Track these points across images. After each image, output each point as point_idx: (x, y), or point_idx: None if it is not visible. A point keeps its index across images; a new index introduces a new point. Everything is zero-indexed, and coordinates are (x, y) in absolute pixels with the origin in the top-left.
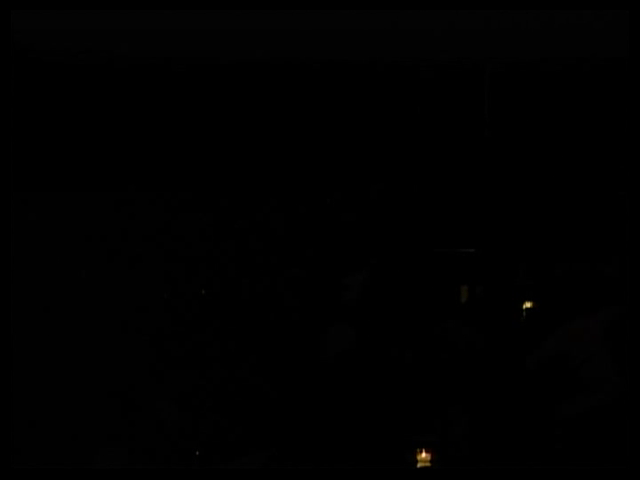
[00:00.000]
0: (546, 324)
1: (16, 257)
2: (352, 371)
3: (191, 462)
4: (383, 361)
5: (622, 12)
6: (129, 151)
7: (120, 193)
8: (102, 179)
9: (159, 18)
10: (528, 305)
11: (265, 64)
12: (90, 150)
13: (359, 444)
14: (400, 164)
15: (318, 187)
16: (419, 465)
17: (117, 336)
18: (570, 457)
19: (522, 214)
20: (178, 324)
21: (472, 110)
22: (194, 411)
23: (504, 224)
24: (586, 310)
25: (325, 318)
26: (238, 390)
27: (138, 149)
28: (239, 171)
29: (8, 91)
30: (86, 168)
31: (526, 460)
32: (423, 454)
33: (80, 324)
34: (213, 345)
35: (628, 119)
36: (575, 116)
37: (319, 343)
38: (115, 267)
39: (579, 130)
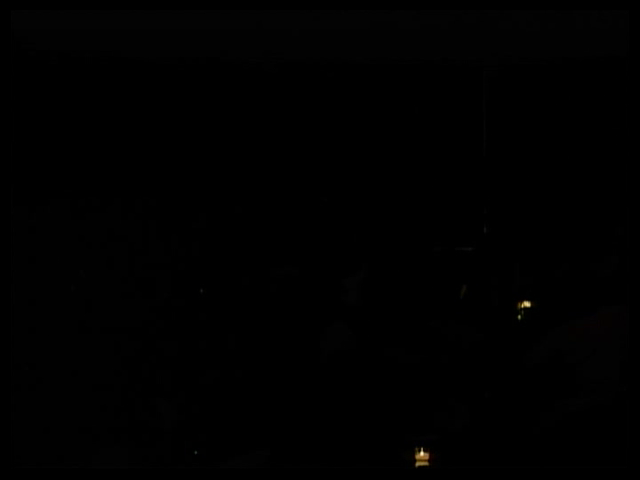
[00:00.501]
0: (544, 323)
1: (15, 261)
2: (350, 370)
3: (190, 462)
4: (381, 360)
5: (622, 12)
6: (126, 151)
7: (117, 192)
8: (99, 180)
9: (159, 18)
10: (527, 304)
11: (262, 64)
12: (86, 154)
13: (357, 443)
14: (398, 164)
15: (315, 186)
16: (417, 464)
17: (115, 336)
18: (565, 456)
19: (520, 213)
20: (176, 323)
21: (470, 111)
22: (192, 410)
23: (502, 223)
24: (584, 309)
25: (323, 317)
26: (237, 389)
27: (135, 149)
28: (236, 171)
29: (8, 92)
30: (82, 173)
31: (524, 458)
32: (421, 453)
33: (79, 324)
34: (211, 344)
35: (627, 120)
36: (573, 117)
37: (317, 342)
38: (113, 268)
39: (577, 131)
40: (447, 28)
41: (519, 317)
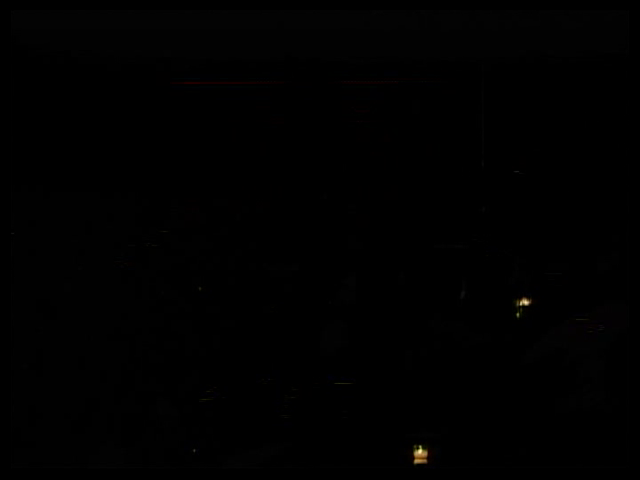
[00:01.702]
0: (543, 321)
1: (14, 256)
2: (348, 368)
3: (189, 461)
4: (380, 358)
5: (622, 12)
6: (126, 148)
7: (116, 191)
8: (98, 179)
9: (159, 18)
10: (525, 302)
11: (261, 62)
12: (86, 150)
13: (356, 441)
14: (396, 162)
15: (314, 184)
16: (416, 462)
17: (115, 334)
18: (564, 454)
19: (519, 211)
20: (176, 321)
21: (468, 109)
22: (192, 409)
23: (501, 221)
24: (584, 307)
25: (322, 316)
26: (236, 388)
27: (135, 146)
28: (235, 169)
29: (8, 91)
30: (81, 167)
31: (523, 456)
32: (420, 451)
33: (78, 323)
34: (211, 342)
35: (627, 119)
36: (572, 115)
37: (316, 340)
38: (112, 265)
39: (576, 129)
40: (446, 26)
41: (518, 315)
